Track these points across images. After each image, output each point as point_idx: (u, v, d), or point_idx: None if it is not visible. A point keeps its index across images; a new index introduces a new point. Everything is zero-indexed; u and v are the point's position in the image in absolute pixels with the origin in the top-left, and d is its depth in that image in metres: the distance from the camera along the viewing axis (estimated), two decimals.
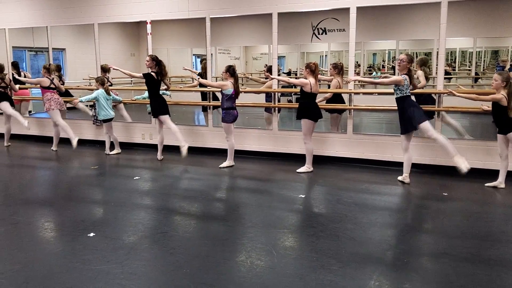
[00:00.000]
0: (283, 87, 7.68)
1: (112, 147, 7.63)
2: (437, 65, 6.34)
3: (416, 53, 10.75)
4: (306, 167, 6.32)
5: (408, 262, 3.44)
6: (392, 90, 5.59)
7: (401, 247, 3.80)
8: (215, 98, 7.72)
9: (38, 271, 3.27)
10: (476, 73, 11.31)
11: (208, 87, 7.36)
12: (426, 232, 4.24)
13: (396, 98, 5.51)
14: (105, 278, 3.13)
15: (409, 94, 5.44)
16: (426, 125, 5.40)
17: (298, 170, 6.31)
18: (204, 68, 7.99)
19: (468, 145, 6.12)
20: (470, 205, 4.95)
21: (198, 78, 7.20)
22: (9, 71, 8.77)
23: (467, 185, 5.65)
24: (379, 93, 7.13)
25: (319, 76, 6.26)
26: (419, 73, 6.14)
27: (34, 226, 4.31)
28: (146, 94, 7.90)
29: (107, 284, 3.05)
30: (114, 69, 7.19)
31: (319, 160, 6.59)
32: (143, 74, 6.78)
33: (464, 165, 5.27)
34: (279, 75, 7.30)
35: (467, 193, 5.39)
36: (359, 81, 5.72)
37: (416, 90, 5.83)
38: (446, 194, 5.28)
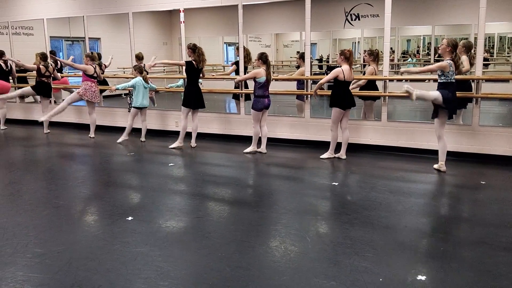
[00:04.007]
0: (315, 74, 7.62)
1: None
2: (474, 51, 6.14)
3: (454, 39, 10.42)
4: (329, 153, 6.33)
5: (444, 250, 3.40)
6: (428, 76, 5.45)
7: (437, 235, 3.76)
8: (246, 86, 7.74)
9: (80, 252, 3.40)
10: None
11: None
12: (463, 220, 4.17)
13: (439, 82, 5.37)
14: (144, 260, 3.23)
15: (453, 81, 5.29)
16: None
17: (322, 156, 6.32)
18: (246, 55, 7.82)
19: (508, 132, 5.95)
20: (508, 194, 4.82)
21: (235, 79, 7.13)
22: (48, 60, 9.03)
23: (506, 173, 5.51)
24: (411, 80, 6.96)
25: None
26: (464, 58, 5.92)
27: (75, 209, 4.48)
28: (180, 82, 8.01)
29: (146, 265, 3.15)
30: (153, 66, 7.24)
31: (353, 148, 6.53)
32: (185, 61, 6.87)
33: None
34: (311, 62, 7.23)
35: (506, 182, 5.25)
36: (408, 74, 5.63)
37: (460, 76, 5.68)
38: (483, 182, 5.16)
